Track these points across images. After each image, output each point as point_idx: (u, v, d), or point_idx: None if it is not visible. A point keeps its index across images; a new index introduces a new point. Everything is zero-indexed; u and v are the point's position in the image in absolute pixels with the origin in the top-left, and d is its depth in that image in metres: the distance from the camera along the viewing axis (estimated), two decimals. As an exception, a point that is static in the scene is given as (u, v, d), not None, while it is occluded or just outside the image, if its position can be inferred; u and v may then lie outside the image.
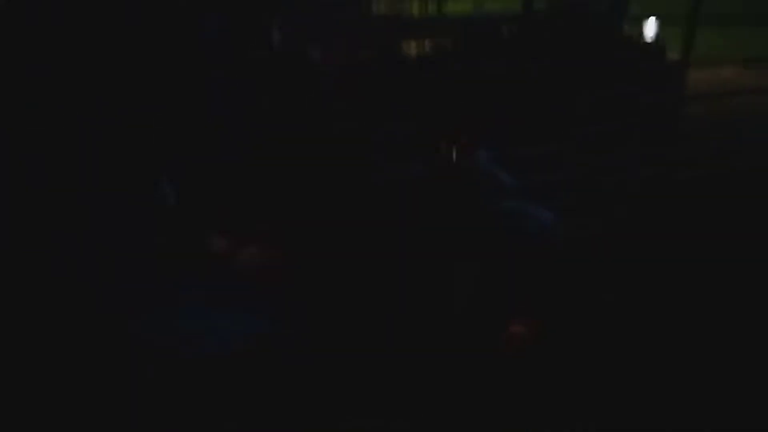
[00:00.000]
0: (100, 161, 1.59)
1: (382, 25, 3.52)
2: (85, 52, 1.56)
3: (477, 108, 2.23)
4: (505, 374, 1.92)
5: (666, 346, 2.13)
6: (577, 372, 2.04)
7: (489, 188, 2.08)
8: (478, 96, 2.34)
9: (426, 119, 2.25)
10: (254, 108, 1.70)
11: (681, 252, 3.16)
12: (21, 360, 1.58)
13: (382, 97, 2.42)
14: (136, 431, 1.56)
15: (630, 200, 3.79)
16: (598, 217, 3.55)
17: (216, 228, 1.67)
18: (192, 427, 1.55)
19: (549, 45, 4.57)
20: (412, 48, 3.88)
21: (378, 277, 1.88)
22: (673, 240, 3.27)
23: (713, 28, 4.75)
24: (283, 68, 1.77)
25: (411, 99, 2.40)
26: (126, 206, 1.59)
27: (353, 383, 1.78)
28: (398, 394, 1.84)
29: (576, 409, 1.96)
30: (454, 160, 2.10)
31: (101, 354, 1.55)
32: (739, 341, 2.48)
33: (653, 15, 5.41)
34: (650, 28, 5.72)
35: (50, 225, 1.56)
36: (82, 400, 1.56)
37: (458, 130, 2.15)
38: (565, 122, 4.12)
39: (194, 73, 1.68)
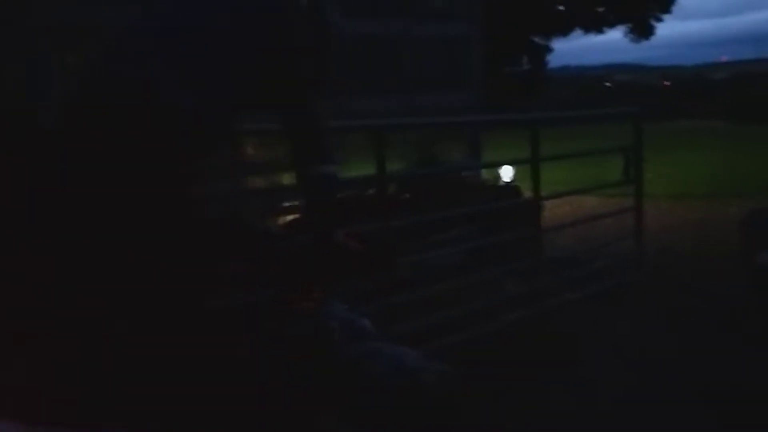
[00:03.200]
0: None
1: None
2: None
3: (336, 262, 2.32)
4: None
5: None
6: None
7: (346, 334, 2.14)
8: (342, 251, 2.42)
9: (282, 275, 2.33)
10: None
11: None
12: None
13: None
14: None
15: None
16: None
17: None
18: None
19: (414, 201, 4.86)
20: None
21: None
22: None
23: (556, 165, 5.22)
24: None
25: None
26: None
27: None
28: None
29: None
30: (308, 311, 2.17)
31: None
32: None
33: (502, 160, 5.90)
34: (506, 172, 6.19)
35: None
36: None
37: (311, 284, 2.23)
38: (433, 267, 4.27)
39: None
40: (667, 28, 29.76)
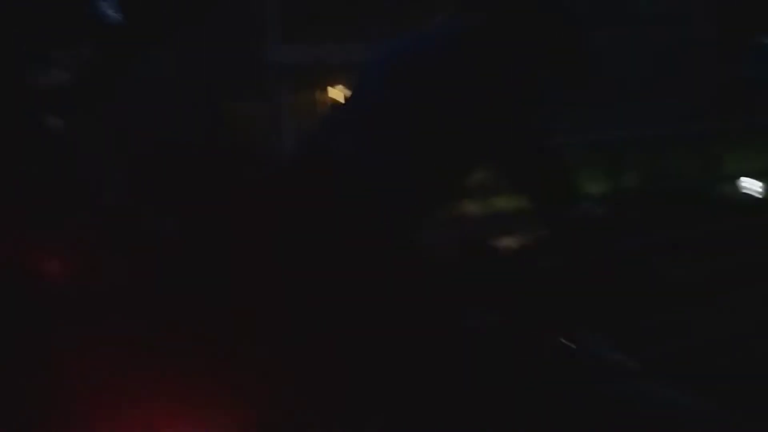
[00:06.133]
0: None
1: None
2: None
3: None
4: None
5: None
6: None
7: (600, 373, 1.92)
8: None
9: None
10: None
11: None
12: None
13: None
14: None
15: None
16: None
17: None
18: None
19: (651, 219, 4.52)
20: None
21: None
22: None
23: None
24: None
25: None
26: None
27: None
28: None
29: None
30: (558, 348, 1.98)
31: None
32: None
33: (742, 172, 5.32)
34: (752, 186, 5.56)
35: None
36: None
37: (554, 320, 2.05)
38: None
39: None
40: None
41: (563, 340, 1.96)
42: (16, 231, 2.01)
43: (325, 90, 4.20)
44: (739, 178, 5.64)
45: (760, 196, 5.49)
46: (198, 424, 1.60)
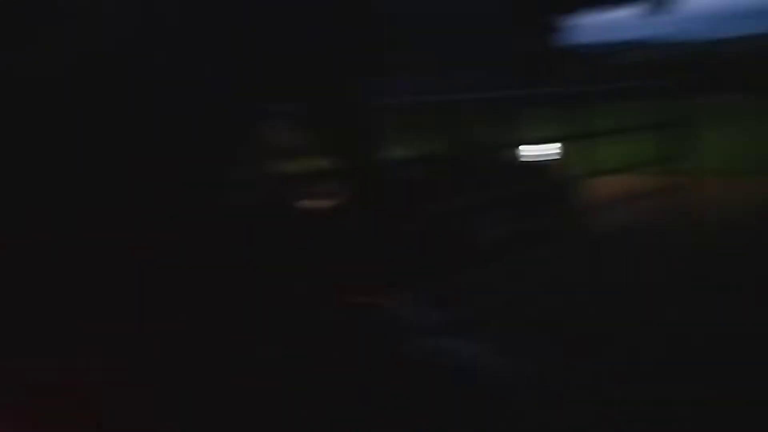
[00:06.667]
0: None
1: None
2: None
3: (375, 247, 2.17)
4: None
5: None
6: None
7: (401, 328, 1.98)
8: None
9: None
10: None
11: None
12: None
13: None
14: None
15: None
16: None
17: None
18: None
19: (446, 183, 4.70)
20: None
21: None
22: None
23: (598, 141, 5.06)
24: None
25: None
26: None
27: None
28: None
29: None
30: (360, 305, 2.02)
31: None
32: None
33: (542, 137, 5.72)
34: (544, 151, 5.99)
35: None
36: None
37: (359, 276, 2.09)
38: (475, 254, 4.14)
39: None
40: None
41: (369, 300, 2.00)
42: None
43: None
44: (531, 144, 6.05)
45: (549, 161, 5.92)
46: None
